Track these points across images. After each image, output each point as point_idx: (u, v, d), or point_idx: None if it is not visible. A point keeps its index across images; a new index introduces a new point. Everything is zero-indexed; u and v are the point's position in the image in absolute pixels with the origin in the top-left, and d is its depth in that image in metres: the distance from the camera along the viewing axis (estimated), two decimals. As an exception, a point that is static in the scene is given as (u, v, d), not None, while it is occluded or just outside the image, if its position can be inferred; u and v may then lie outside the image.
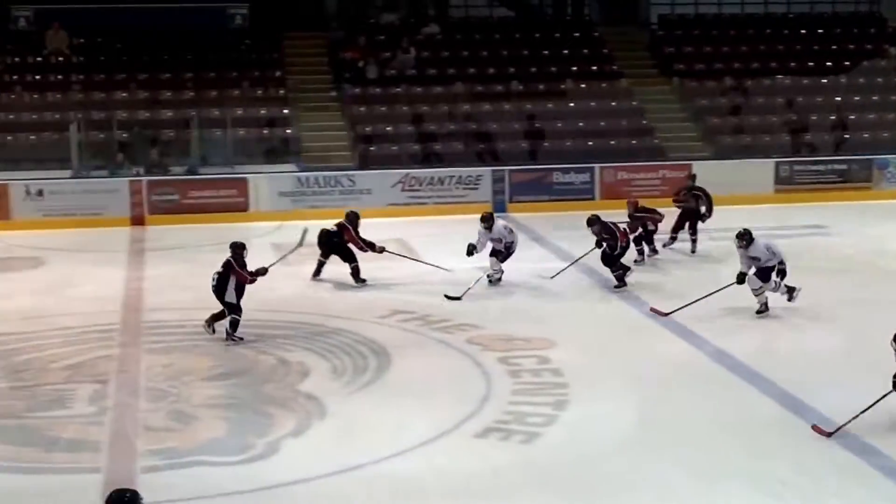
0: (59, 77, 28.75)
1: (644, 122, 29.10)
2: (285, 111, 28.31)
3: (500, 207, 25.33)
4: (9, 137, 27.01)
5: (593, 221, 18.44)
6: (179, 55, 29.33)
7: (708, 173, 23.56)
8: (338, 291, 18.06)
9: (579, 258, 18.91)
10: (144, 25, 29.61)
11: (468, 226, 18.95)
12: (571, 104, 29.28)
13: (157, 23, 29.64)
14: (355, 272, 18.56)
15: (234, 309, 15.35)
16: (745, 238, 16.04)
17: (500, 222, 18.40)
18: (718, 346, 14.83)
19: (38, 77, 28.76)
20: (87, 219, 24.27)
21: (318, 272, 18.87)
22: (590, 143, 28.08)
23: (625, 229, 18.52)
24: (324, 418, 12.65)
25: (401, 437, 11.83)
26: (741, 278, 16.09)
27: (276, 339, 15.49)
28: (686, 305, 16.20)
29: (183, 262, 20.38)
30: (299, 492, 10.71)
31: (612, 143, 28.18)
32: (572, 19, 34.52)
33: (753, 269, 16.06)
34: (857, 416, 11.38)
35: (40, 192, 24.63)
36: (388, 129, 28.30)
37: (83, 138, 26.43)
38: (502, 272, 18.30)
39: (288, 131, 27.93)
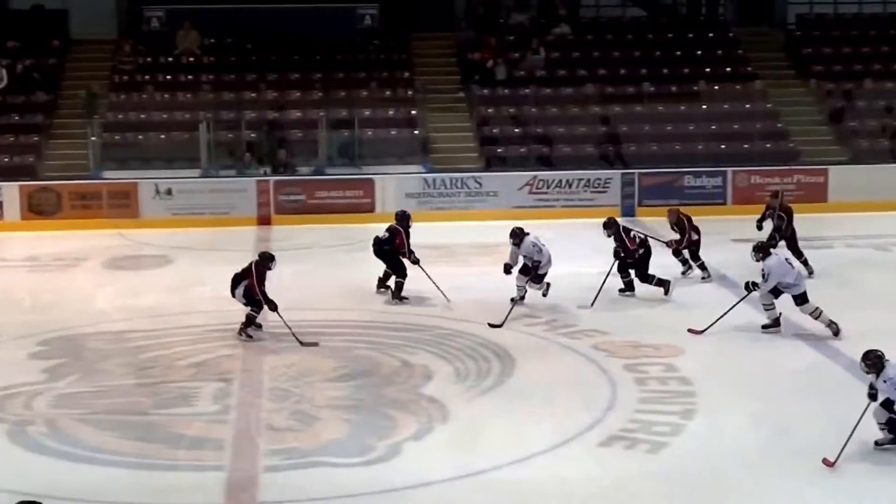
0: (190, 77, 29.22)
1: (779, 125, 28.64)
2: (413, 112, 28.43)
3: (629, 211, 25.17)
4: (140, 137, 27.55)
5: (610, 224, 18.12)
6: (308, 56, 29.63)
7: (845, 178, 23.11)
8: (462, 293, 18.07)
9: (608, 274, 17.99)
10: (274, 26, 29.95)
11: (596, 230, 18.80)
12: (704, 106, 28.93)
13: (287, 23, 29.96)
14: (398, 288, 17.77)
15: (254, 304, 15.64)
16: (760, 252, 15.67)
17: (529, 239, 17.21)
18: (852, 356, 14.52)
19: (168, 77, 29.27)
20: (214, 218, 24.65)
21: (382, 283, 18.24)
22: (722, 146, 27.73)
23: (644, 237, 18.10)
24: (446, 422, 12.67)
25: (523, 443, 11.80)
26: (749, 285, 15.63)
27: (400, 342, 15.55)
28: (717, 321, 15.77)
29: (308, 263, 20.59)
30: (419, 496, 10.74)
31: (746, 146, 27.80)
32: (706, 19, 34.13)
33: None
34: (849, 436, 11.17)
35: (169, 191, 25.07)
36: (516, 130, 28.27)
37: (212, 138, 26.81)
38: (525, 291, 17.38)
39: (415, 132, 28.04)
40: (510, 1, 32.92)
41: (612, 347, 15.17)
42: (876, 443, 11.36)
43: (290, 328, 15.33)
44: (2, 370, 14.46)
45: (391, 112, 28.38)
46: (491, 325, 16.14)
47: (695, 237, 19.16)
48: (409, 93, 28.96)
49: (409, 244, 17.89)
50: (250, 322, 15.65)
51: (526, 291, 17.37)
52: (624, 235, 17.83)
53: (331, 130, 27.36)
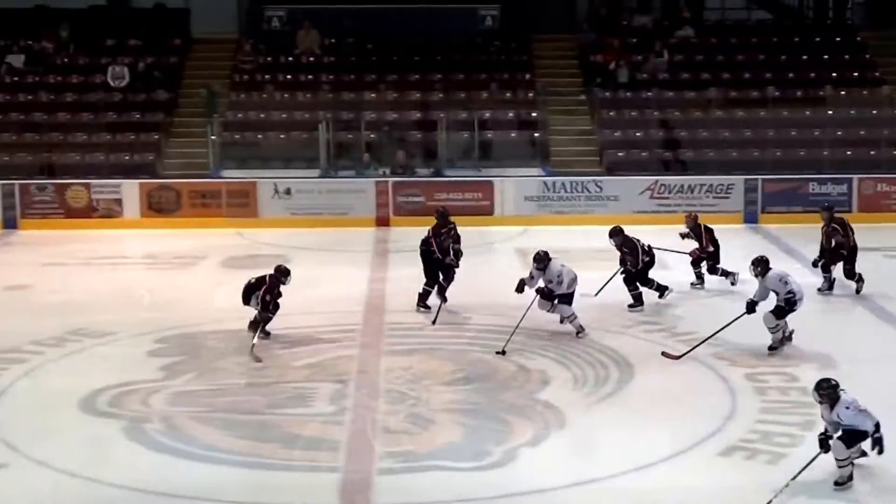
0: (310, 77, 29.47)
1: (908, 131, 28.13)
2: (533, 114, 28.39)
3: (752, 218, 24.88)
4: (259, 136, 27.87)
5: (616, 233, 17.85)
6: (429, 56, 29.73)
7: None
8: (582, 299, 18.00)
9: (611, 277, 17.93)
10: (395, 26, 30.13)
11: (718, 236, 18.68)
12: (830, 112, 28.48)
13: (408, 23, 30.12)
14: (421, 296, 17.43)
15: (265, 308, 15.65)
16: (759, 266, 15.18)
17: (555, 264, 15.94)
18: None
19: (289, 77, 29.55)
20: (332, 218, 24.83)
21: (423, 300, 17.60)
22: (848, 152, 27.28)
23: (649, 247, 17.77)
24: (563, 429, 12.64)
25: (641, 451, 11.72)
26: (750, 306, 15.10)
27: (517, 346, 15.53)
28: (699, 344, 15.27)
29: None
30: (535, 502, 10.73)
31: (872, 153, 27.31)
32: (833, 22, 33.62)
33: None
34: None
35: (288, 191, 25.30)
36: (637, 134, 28.09)
37: (331, 138, 27.03)
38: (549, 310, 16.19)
39: (535, 135, 27.99)
40: (633, 3, 32.76)
41: (732, 356, 15.01)
42: (836, 483, 10.79)
43: (253, 344, 15.29)
44: (120, 367, 14.74)
45: (511, 114, 28.36)
46: (498, 353, 15.22)
47: (710, 249, 18.78)
48: (530, 95, 28.93)
49: (448, 245, 17.53)
50: (260, 328, 15.65)
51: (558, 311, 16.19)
52: (635, 243, 17.65)
53: (450, 132, 27.42)
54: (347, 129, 27.66)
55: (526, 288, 16.13)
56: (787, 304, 14.97)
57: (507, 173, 26.22)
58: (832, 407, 10.76)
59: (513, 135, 27.99)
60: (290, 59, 30.10)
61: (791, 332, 15.27)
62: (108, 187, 25.32)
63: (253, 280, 15.89)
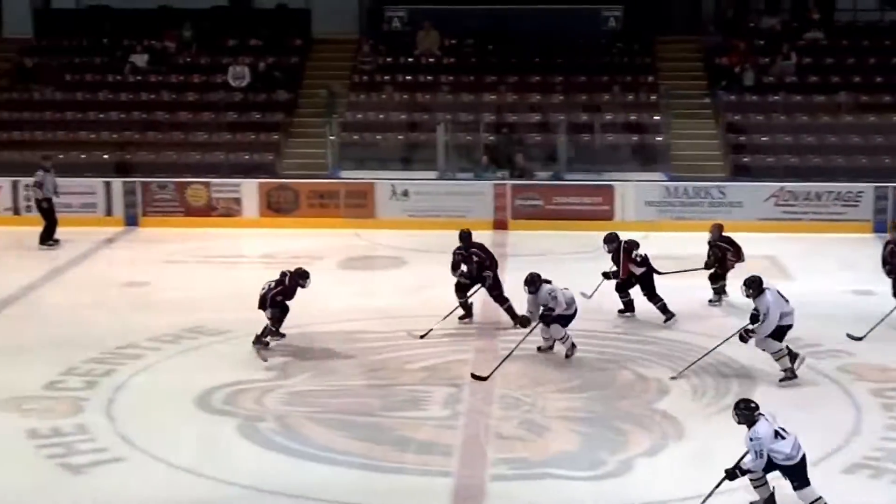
0: (429, 78, 29.56)
1: None
2: (656, 117, 28.17)
3: (881, 227, 24.35)
4: (378, 137, 28.01)
5: (612, 239, 17.51)
6: (550, 58, 29.64)
7: None
8: (707, 308, 17.85)
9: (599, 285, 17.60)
10: (515, 27, 30.10)
11: (845, 246, 18.40)
12: (965, 116, 27.87)
13: (529, 24, 30.06)
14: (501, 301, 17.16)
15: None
16: (751, 287, 14.41)
17: (546, 287, 15.26)
18: None
19: (408, 77, 29.66)
20: (449, 220, 24.70)
21: (467, 312, 17.40)
22: (985, 159, 26.67)
23: (644, 256, 17.31)
24: (680, 440, 12.53)
25: (761, 464, 11.55)
26: (743, 334, 14.40)
27: (636, 354, 15.43)
28: (690, 365, 14.86)
29: (543, 270, 20.49)
30: (650, 514, 10.67)
31: None
32: (972, 24, 32.91)
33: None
34: None
35: (406, 193, 25.40)
36: (763, 139, 27.73)
37: (450, 140, 27.08)
38: (553, 340, 15.53)
39: (658, 138, 27.77)
40: (761, 4, 32.33)
41: (858, 370, 14.76)
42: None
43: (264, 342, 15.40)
44: (235, 365, 14.92)
45: (633, 117, 28.16)
46: (475, 377, 14.59)
47: (730, 264, 18.08)
48: (652, 98, 28.69)
49: (472, 268, 17.04)
50: (268, 328, 15.65)
51: (553, 340, 15.51)
52: (624, 256, 17.25)
53: (570, 135, 27.31)
54: (466, 130, 27.68)
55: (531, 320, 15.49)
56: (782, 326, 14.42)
57: (627, 177, 26.02)
58: (749, 427, 10.50)
59: (634, 138, 27.77)
60: (410, 59, 30.23)
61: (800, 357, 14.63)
62: (228, 186, 25.66)
63: (273, 283, 15.79)
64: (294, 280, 15.74)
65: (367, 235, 24.06)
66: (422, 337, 16.22)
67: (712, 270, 18.15)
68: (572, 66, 29.36)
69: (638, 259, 17.28)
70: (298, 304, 16.26)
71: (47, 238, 23.14)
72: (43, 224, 23.26)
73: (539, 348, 15.56)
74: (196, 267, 21.21)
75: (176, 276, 20.52)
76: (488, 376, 14.45)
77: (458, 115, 27.87)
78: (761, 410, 10.62)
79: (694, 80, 29.66)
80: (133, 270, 20.83)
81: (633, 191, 25.36)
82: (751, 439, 10.39)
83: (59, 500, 11.30)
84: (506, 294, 16.97)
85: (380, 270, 20.77)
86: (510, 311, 16.92)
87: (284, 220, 25.05)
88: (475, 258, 17.07)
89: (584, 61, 29.52)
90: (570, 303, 15.32)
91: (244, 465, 11.88)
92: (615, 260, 17.42)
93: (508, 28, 30.14)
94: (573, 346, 15.33)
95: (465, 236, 17.40)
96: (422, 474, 11.67)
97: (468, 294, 17.06)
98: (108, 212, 25.46)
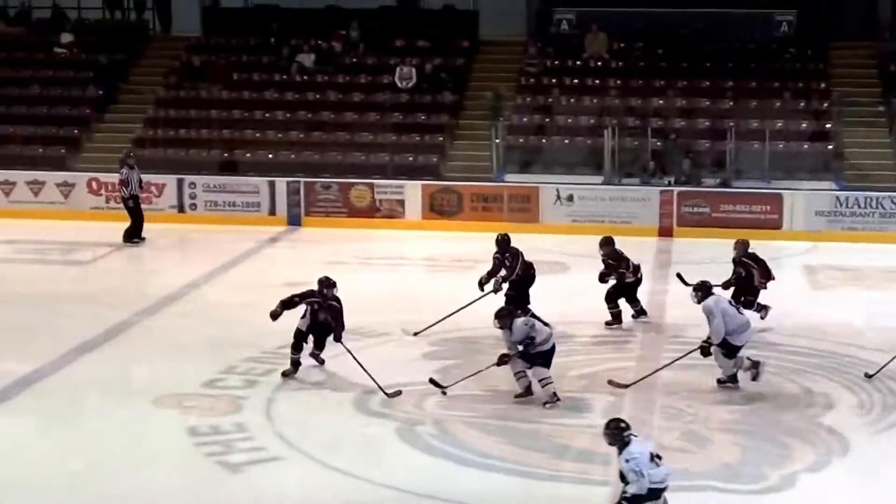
0: (597, 81, 29.45)
1: None
2: (827, 125, 27.70)
3: None
4: (543, 141, 28.06)
5: (607, 242, 17.25)
6: (720, 63, 29.34)
7: None
8: (873, 320, 17.51)
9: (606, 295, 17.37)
10: (685, 31, 29.85)
11: None
12: None
13: (699, 28, 29.79)
14: None
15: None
16: (699, 291, 14.33)
17: (520, 320, 14.02)
18: None
19: (575, 81, 29.60)
20: (614, 226, 24.58)
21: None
22: None
23: (637, 265, 17.15)
24: (846, 455, 12.35)
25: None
26: (704, 348, 14.14)
27: (802, 367, 15.22)
28: (648, 375, 14.54)
29: (709, 278, 20.20)
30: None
31: None
32: None
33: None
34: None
35: (570, 198, 25.38)
36: (941, 148, 27.13)
37: (616, 145, 26.99)
38: (529, 382, 14.13)
39: (828, 146, 27.30)
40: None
41: None
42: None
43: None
44: (395, 367, 15.05)
45: (804, 124, 27.75)
46: (432, 382, 14.28)
47: (757, 281, 17.14)
48: (825, 105, 28.22)
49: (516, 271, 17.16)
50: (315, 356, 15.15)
51: (529, 382, 14.13)
52: (619, 259, 17.09)
53: (740, 141, 27.00)
54: (633, 135, 27.56)
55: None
56: (730, 335, 14.13)
57: (797, 186, 25.65)
58: (619, 451, 9.98)
59: (805, 146, 27.36)
60: (578, 62, 30.16)
61: (753, 365, 14.35)
62: (392, 188, 25.96)
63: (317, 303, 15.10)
64: (318, 289, 15.05)
65: (529, 240, 23.88)
66: (415, 334, 16.54)
67: (733, 289, 16.99)
68: (743, 71, 29.02)
69: (631, 266, 17.32)
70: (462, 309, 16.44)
71: (132, 236, 23.60)
72: (129, 221, 23.66)
73: (517, 396, 14.07)
74: (358, 268, 21.43)
75: (337, 276, 20.58)
76: (629, 385, 14.39)
77: (626, 120, 27.78)
78: (633, 431, 10.15)
79: (868, 87, 29.08)
80: (295, 270, 21.13)
81: (803, 200, 24.98)
82: (626, 460, 9.82)
83: (217, 498, 11.56)
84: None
85: (542, 275, 20.73)
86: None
87: (447, 223, 25.24)
88: (507, 263, 17.21)
89: (755, 66, 29.15)
90: (548, 338, 14.04)
91: (400, 469, 12.01)
92: (607, 265, 17.40)
93: (678, 31, 29.90)
94: (555, 395, 13.88)
95: (501, 241, 17.52)
96: (580, 483, 11.68)
97: (474, 300, 16.94)
98: (272, 211, 25.96)
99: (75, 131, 29.13)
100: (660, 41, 30.01)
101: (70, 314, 18.20)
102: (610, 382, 14.45)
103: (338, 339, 14.68)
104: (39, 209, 26.09)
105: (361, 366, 14.25)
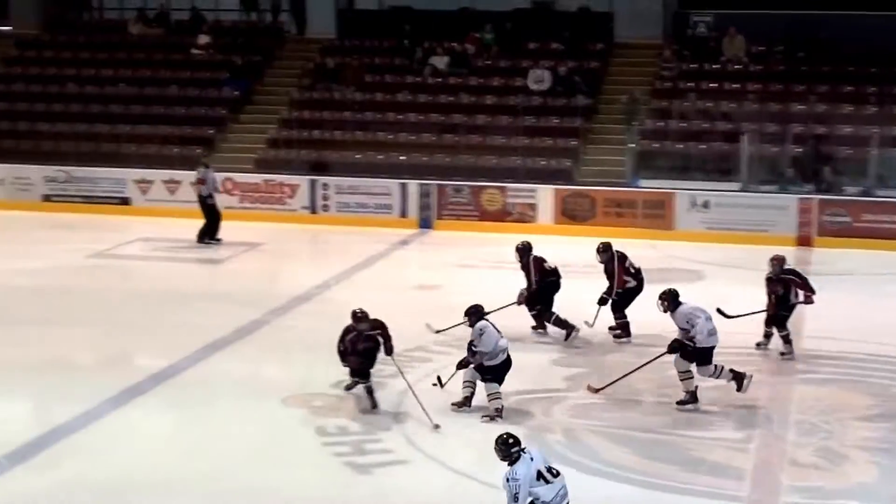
0: (735, 85, 29.08)
1: None
2: (974, 133, 27.09)
3: None
4: (679, 146, 27.81)
5: (606, 248, 16.95)
6: (863, 67, 28.80)
7: None
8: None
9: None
10: (826, 34, 29.33)
11: None
12: None
13: (841, 31, 29.23)
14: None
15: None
16: (665, 300, 14.18)
17: (480, 324, 13.95)
18: None
19: (712, 85, 29.26)
20: (750, 234, 24.38)
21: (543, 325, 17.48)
22: None
23: (637, 269, 16.85)
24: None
25: None
26: (672, 347, 14.05)
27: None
28: (617, 380, 14.37)
29: (849, 290, 20.00)
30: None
31: None
32: None
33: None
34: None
35: (706, 204, 25.12)
36: None
37: (754, 151, 26.63)
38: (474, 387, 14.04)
39: (975, 155, 26.70)
40: None
41: None
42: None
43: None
44: (525, 373, 14.96)
45: (951, 131, 27.17)
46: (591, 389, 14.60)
47: (795, 299, 16.32)
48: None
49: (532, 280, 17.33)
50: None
51: (472, 393, 14.04)
52: (619, 266, 16.82)
53: (884, 149, 26.48)
54: (772, 141, 27.17)
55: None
56: (694, 347, 14.02)
57: (941, 196, 25.10)
58: (510, 465, 9.65)
59: (953, 154, 26.77)
60: (715, 66, 29.83)
61: (737, 377, 14.14)
62: (524, 192, 25.96)
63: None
64: (350, 326, 14.34)
65: (663, 247, 23.84)
66: (438, 332, 16.72)
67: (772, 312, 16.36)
68: (887, 77, 28.44)
69: (632, 270, 17.10)
70: (591, 314, 16.34)
71: (206, 235, 23.85)
72: (204, 221, 23.91)
73: (453, 404, 13.99)
74: (489, 272, 21.43)
75: (468, 280, 20.83)
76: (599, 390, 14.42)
77: (764, 125, 27.39)
78: (525, 447, 9.82)
79: None
80: (425, 273, 21.28)
81: (949, 209, 24.44)
82: (507, 479, 9.52)
83: (346, 500, 11.66)
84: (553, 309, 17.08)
85: (675, 284, 20.51)
86: (558, 322, 17.04)
87: (579, 228, 25.10)
88: (529, 272, 17.33)
89: (898, 72, 28.60)
90: (500, 351, 13.84)
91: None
92: (608, 271, 17.15)
93: (820, 35, 29.39)
94: (499, 411, 13.62)
95: (521, 249, 17.58)
96: (712, 497, 11.57)
97: (497, 308, 16.49)
98: (403, 213, 26.12)
99: (211, 131, 29.64)
100: (800, 44, 29.52)
101: (203, 311, 18.57)
102: (588, 388, 14.57)
103: (388, 352, 14.21)
104: (175, 208, 26.55)
105: (411, 387, 14.10)
